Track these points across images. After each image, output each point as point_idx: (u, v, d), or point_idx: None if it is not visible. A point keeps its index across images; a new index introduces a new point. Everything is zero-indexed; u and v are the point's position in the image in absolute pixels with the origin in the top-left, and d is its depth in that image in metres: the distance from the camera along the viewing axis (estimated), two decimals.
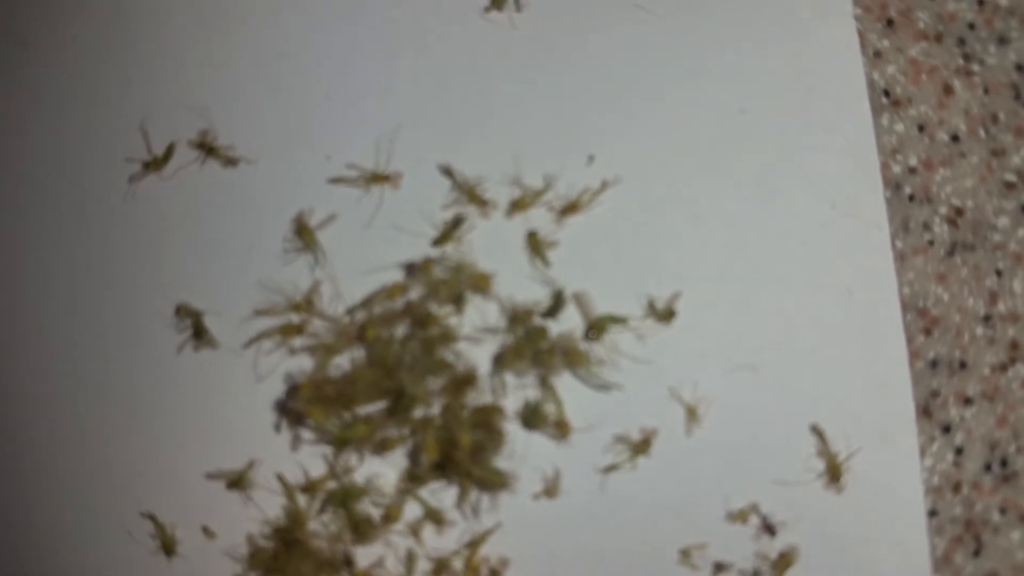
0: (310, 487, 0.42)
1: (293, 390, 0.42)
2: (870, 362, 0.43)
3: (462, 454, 0.40)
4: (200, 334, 0.43)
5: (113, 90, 0.44)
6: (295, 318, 0.43)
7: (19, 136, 0.44)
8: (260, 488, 0.42)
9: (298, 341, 0.43)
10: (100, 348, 0.43)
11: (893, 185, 0.45)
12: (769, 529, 0.42)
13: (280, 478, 0.42)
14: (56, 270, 0.43)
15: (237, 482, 0.42)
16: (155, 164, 0.44)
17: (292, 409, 0.42)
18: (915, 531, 0.43)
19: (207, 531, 0.42)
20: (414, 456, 0.42)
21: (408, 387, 0.41)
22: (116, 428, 0.43)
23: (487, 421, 0.41)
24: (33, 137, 0.44)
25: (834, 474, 0.42)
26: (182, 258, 0.43)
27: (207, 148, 0.44)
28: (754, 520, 0.42)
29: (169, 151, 0.44)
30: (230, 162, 0.44)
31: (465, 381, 0.41)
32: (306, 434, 0.42)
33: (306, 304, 0.43)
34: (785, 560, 0.42)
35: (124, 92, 0.44)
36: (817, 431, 0.42)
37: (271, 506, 0.42)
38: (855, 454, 0.42)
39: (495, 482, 0.41)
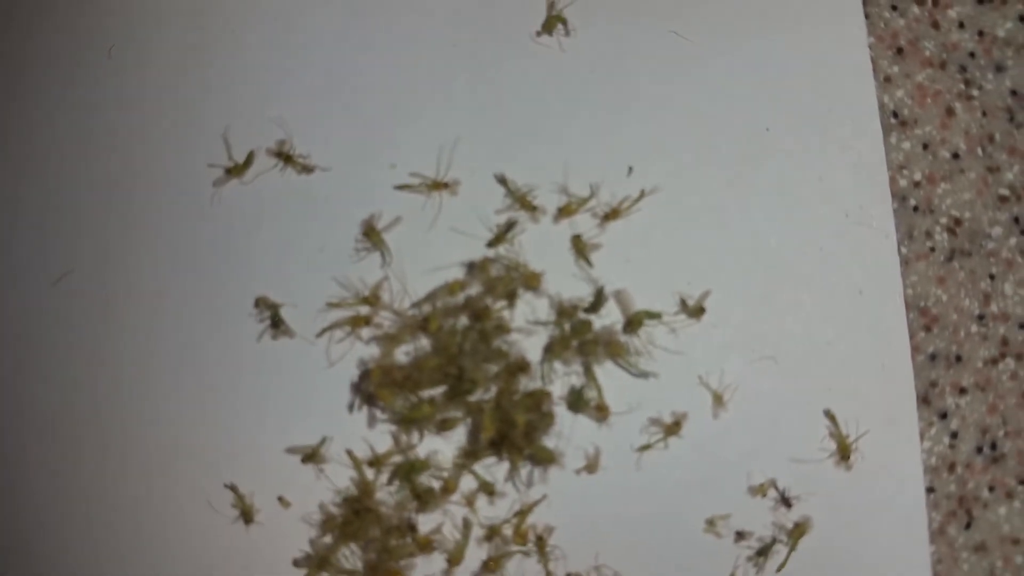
0: (377, 461, 0.48)
1: (365, 374, 0.48)
2: (877, 355, 0.50)
3: (516, 433, 0.47)
4: (277, 324, 0.49)
5: (196, 101, 0.50)
6: (364, 311, 0.49)
7: (109, 143, 0.50)
8: (332, 462, 0.49)
9: (366, 331, 0.49)
10: (188, 336, 0.49)
11: (899, 197, 0.52)
12: (786, 502, 0.49)
13: (349, 453, 0.49)
14: (147, 267, 0.49)
15: (311, 456, 0.48)
16: (236, 170, 0.50)
17: (364, 391, 0.48)
18: (915, 505, 0.50)
19: (283, 500, 0.49)
20: (472, 434, 0.49)
21: (468, 373, 0.47)
22: (201, 408, 0.49)
23: (537, 404, 0.48)
24: (122, 144, 0.50)
25: (844, 454, 0.49)
26: (261, 256, 0.50)
27: (284, 156, 0.50)
28: (772, 494, 0.49)
29: (249, 158, 0.50)
30: (305, 169, 0.50)
31: (518, 368, 0.48)
32: (375, 413, 0.49)
33: (374, 298, 0.49)
34: (799, 529, 0.49)
35: (206, 103, 0.50)
36: (829, 415, 0.49)
37: (341, 478, 0.49)
38: (863, 436, 0.49)
39: (544, 458, 0.48)
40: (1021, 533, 0.51)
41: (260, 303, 0.49)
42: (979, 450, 0.52)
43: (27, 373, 0.49)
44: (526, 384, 0.48)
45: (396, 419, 0.48)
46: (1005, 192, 0.53)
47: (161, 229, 0.50)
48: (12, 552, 0.49)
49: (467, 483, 0.49)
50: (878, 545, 0.49)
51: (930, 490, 0.51)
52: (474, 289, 0.49)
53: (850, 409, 0.49)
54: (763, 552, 0.48)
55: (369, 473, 0.49)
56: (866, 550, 0.49)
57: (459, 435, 0.49)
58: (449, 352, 0.48)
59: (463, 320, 0.49)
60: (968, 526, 0.51)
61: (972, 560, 0.51)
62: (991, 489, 0.52)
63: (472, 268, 0.49)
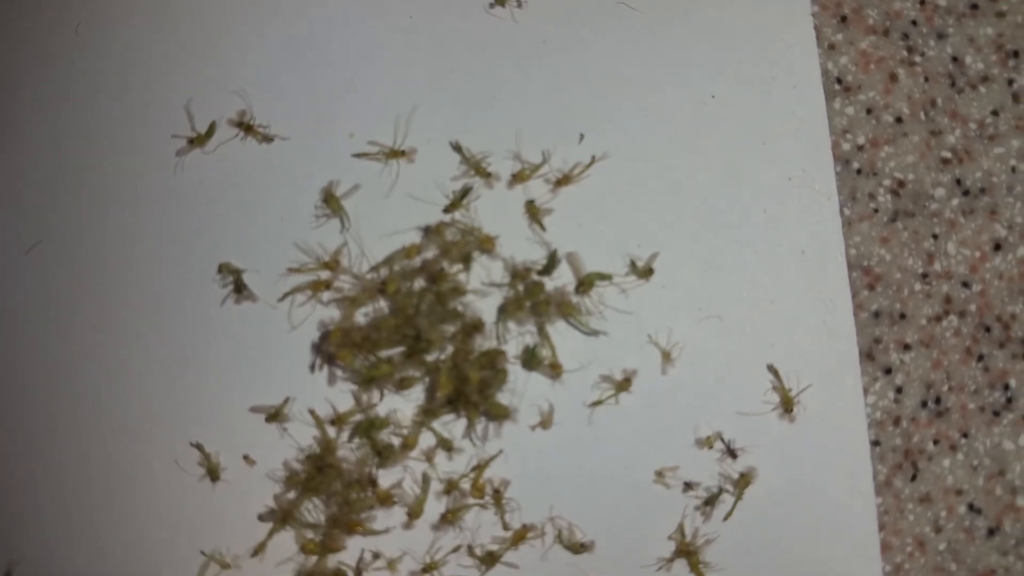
0: (339, 420, 0.54)
1: (325, 336, 0.54)
2: (819, 312, 0.55)
3: (471, 388, 0.52)
4: (240, 289, 0.55)
5: (160, 75, 0.56)
6: (324, 275, 0.55)
7: (77, 117, 0.56)
8: (295, 421, 0.54)
9: (326, 295, 0.55)
10: (154, 302, 0.54)
11: (843, 161, 0.57)
12: (731, 453, 0.54)
13: (312, 412, 0.54)
14: (113, 235, 0.55)
15: (275, 416, 0.54)
16: (199, 140, 0.55)
17: (325, 351, 0.54)
18: (859, 458, 0.55)
19: (248, 459, 0.54)
20: (429, 393, 0.54)
21: (424, 332, 0.53)
22: (167, 370, 0.54)
23: (492, 363, 0.53)
24: (90, 117, 0.56)
25: (787, 406, 0.54)
26: (224, 223, 0.55)
27: (245, 127, 0.55)
28: (719, 446, 0.54)
29: (211, 129, 0.55)
30: (266, 139, 0.55)
31: (473, 328, 0.53)
32: (336, 373, 0.54)
33: (333, 263, 0.54)
34: (745, 480, 0.54)
35: (170, 77, 0.56)
36: (772, 370, 0.55)
37: (304, 437, 0.54)
38: (805, 390, 0.54)
39: (498, 414, 0.53)
40: (964, 484, 0.57)
41: (223, 269, 0.55)
42: (924, 404, 0.57)
43: None
44: (481, 344, 0.54)
45: (356, 378, 0.53)
46: (947, 155, 0.58)
47: (127, 198, 0.55)
48: None
49: (426, 439, 0.54)
50: (825, 494, 0.55)
51: (876, 443, 0.56)
52: (430, 252, 0.54)
53: (793, 364, 0.55)
54: (710, 502, 0.54)
55: (331, 431, 0.54)
56: (813, 499, 0.55)
57: (417, 394, 0.54)
58: (406, 313, 0.53)
59: (420, 282, 0.54)
60: (914, 478, 0.57)
61: (918, 511, 0.57)
62: (935, 442, 0.57)
63: (428, 232, 0.55)
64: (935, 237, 0.58)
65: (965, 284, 0.58)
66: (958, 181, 0.58)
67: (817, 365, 0.55)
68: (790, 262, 0.55)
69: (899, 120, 0.58)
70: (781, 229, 0.55)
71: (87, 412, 0.54)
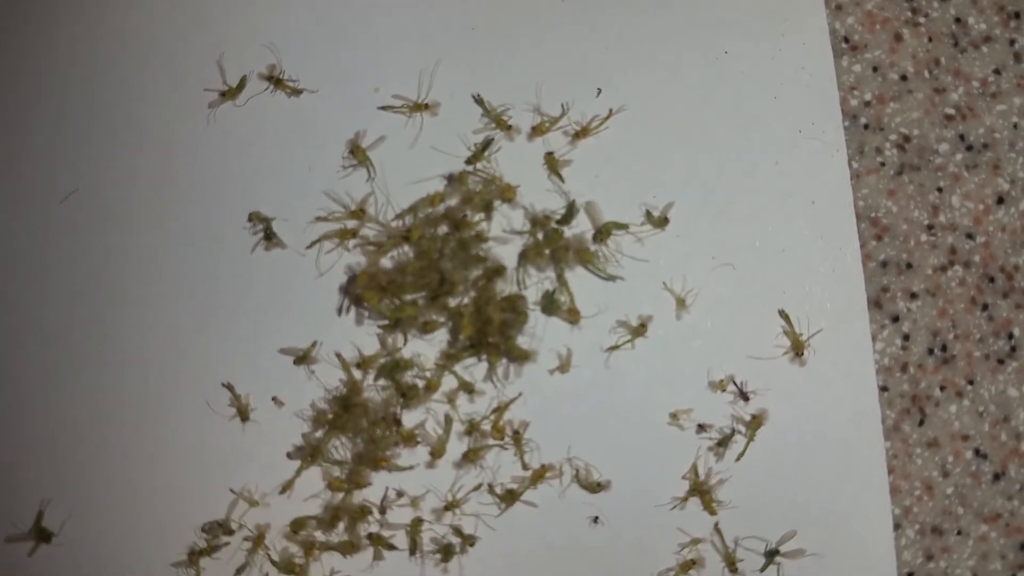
0: (364, 363, 0.57)
1: (352, 279, 0.57)
2: (829, 261, 0.58)
3: (492, 329, 0.55)
4: (270, 237, 0.57)
5: (193, 31, 0.59)
6: (351, 223, 0.58)
7: (113, 72, 0.59)
8: (322, 363, 0.57)
9: (353, 242, 0.58)
10: (187, 249, 0.57)
11: (851, 116, 0.60)
12: (743, 396, 0.57)
13: (338, 356, 0.57)
14: (148, 184, 0.58)
15: (302, 359, 0.57)
16: (230, 93, 0.58)
17: (352, 294, 0.57)
18: (868, 402, 0.58)
19: (276, 400, 0.57)
20: (452, 336, 0.57)
21: (448, 275, 0.55)
22: (199, 315, 0.57)
23: (513, 307, 0.56)
24: (126, 72, 0.59)
25: (797, 350, 0.57)
26: (254, 173, 0.58)
27: (275, 80, 0.58)
28: (731, 388, 0.57)
29: (242, 83, 0.58)
30: (295, 92, 0.58)
31: (495, 272, 0.56)
32: (362, 315, 0.57)
33: (360, 211, 0.57)
34: (756, 421, 0.57)
35: (202, 32, 0.59)
36: (783, 315, 0.58)
37: (331, 379, 0.57)
38: (815, 335, 0.57)
39: (519, 355, 0.56)
40: (970, 430, 0.60)
41: (253, 217, 0.58)
42: (930, 351, 0.60)
43: (35, 286, 0.57)
44: (502, 289, 0.57)
45: (381, 321, 0.56)
46: (951, 111, 0.61)
47: (161, 150, 0.58)
48: (23, 451, 0.56)
49: (448, 383, 0.57)
50: (834, 437, 0.57)
51: (884, 389, 0.59)
52: (453, 200, 0.57)
53: (803, 311, 0.58)
54: (723, 443, 0.57)
55: (357, 374, 0.57)
56: (823, 441, 0.57)
57: (441, 337, 0.57)
58: (430, 258, 0.56)
59: (443, 229, 0.57)
60: (921, 423, 0.59)
61: (925, 455, 0.59)
62: (942, 388, 0.60)
63: (451, 181, 0.58)
64: (940, 190, 0.61)
65: (969, 236, 0.60)
66: (961, 137, 0.61)
67: (827, 311, 0.58)
68: (800, 212, 0.58)
69: (904, 78, 0.61)
70: (792, 180, 0.58)
71: (120, 354, 0.57)
